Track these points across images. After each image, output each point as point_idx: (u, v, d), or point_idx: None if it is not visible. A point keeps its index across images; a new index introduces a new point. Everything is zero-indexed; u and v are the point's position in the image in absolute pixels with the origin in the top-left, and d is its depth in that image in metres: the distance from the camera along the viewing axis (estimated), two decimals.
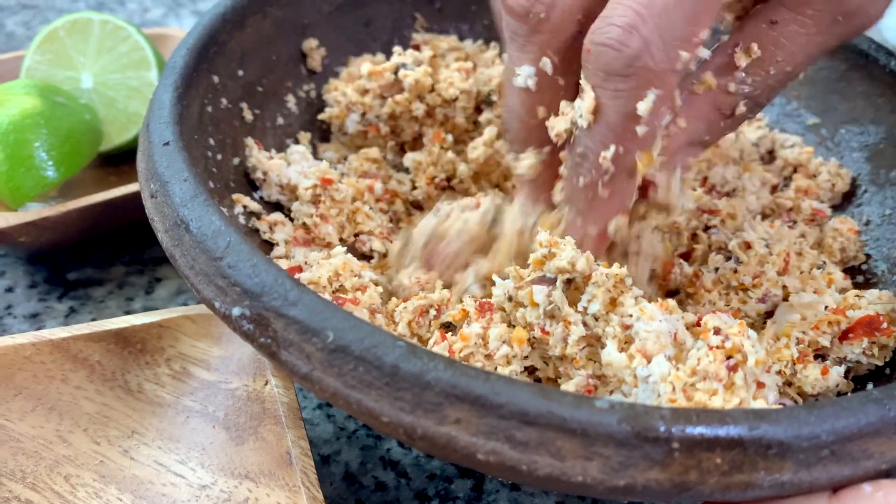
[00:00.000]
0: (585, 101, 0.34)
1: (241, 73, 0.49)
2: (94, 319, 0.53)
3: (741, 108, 0.37)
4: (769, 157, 0.54)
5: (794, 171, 0.52)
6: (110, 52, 0.60)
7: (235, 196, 0.44)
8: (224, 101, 0.47)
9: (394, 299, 0.41)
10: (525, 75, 0.36)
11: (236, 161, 0.47)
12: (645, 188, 0.38)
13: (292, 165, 0.48)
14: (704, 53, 0.34)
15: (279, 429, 0.40)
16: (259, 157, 0.47)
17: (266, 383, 0.41)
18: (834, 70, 0.53)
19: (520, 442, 0.27)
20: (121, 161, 0.62)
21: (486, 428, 0.28)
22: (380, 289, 0.41)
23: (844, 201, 0.50)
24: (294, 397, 0.40)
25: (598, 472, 0.27)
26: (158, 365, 0.43)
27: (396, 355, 0.29)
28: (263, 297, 0.31)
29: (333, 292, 0.40)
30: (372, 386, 0.29)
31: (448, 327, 0.39)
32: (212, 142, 0.45)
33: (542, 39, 0.35)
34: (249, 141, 0.48)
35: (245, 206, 0.44)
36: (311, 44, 0.54)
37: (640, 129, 0.34)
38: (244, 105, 0.49)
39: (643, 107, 0.33)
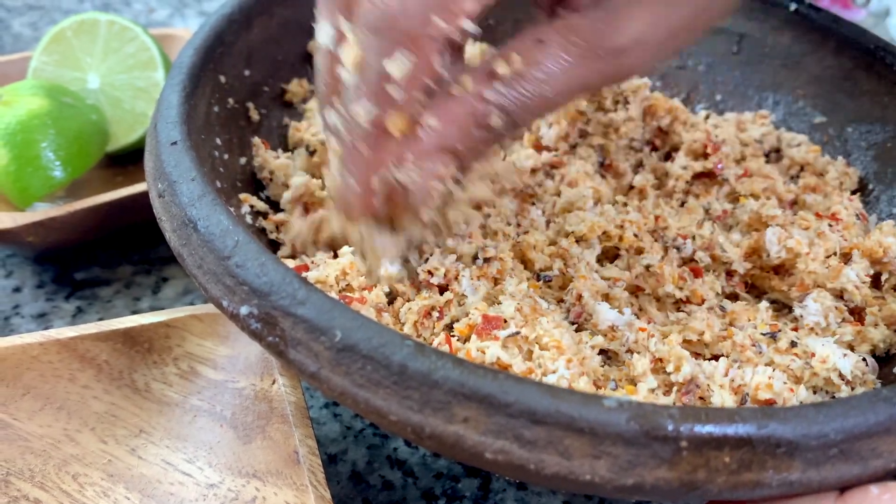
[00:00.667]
0: (350, 55, 0.34)
1: (247, 73, 0.49)
2: (101, 319, 0.53)
3: (495, 120, 0.35)
4: (776, 155, 0.54)
5: (801, 169, 0.52)
6: (117, 53, 0.60)
7: (242, 196, 0.44)
8: (231, 100, 0.47)
9: (398, 300, 0.41)
10: (325, 33, 0.36)
11: (243, 161, 0.47)
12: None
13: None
14: (469, 27, 0.33)
15: (286, 428, 0.40)
16: (266, 157, 0.47)
17: (273, 382, 0.41)
18: (840, 68, 0.53)
19: (528, 441, 0.27)
20: (127, 161, 0.62)
21: (495, 427, 0.27)
22: (386, 288, 0.41)
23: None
24: (301, 396, 0.40)
25: (607, 470, 0.27)
26: (166, 364, 0.43)
27: (404, 354, 0.29)
28: (271, 296, 0.31)
29: (340, 291, 0.40)
30: (380, 385, 0.29)
31: (453, 328, 0.39)
32: (219, 141, 0.45)
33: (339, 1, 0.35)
34: (256, 140, 0.48)
35: (252, 206, 0.44)
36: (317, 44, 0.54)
37: (396, 92, 0.34)
38: (251, 105, 0.49)
39: (395, 68, 0.33)
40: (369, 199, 0.37)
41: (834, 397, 0.38)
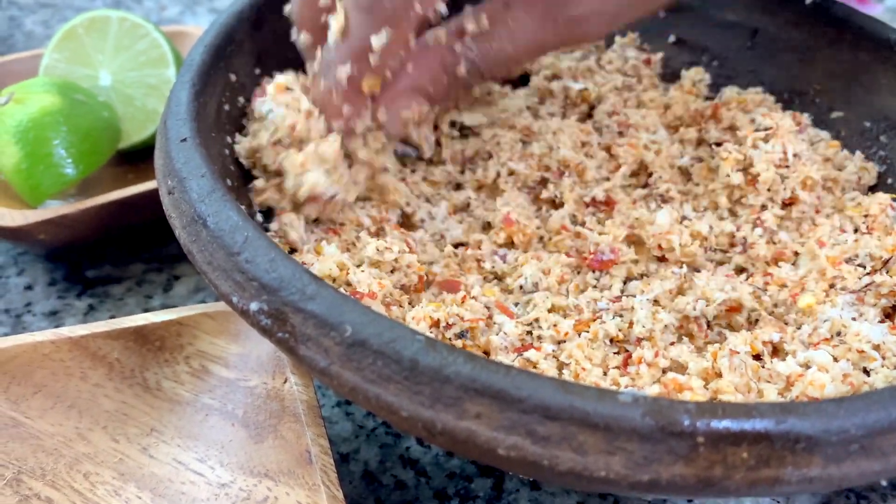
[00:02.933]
0: (337, 22, 0.40)
1: (258, 71, 0.49)
2: (112, 317, 0.53)
3: (462, 70, 0.42)
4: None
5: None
6: (128, 50, 0.60)
7: (252, 194, 0.44)
8: (241, 99, 0.47)
9: (405, 303, 0.41)
10: None
11: None
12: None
13: None
14: (442, 8, 0.39)
15: (298, 427, 0.39)
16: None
17: (285, 381, 0.41)
18: (857, 62, 0.52)
19: (541, 437, 0.27)
20: (138, 159, 0.62)
21: (507, 422, 0.27)
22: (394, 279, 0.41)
23: (869, 194, 0.49)
24: (313, 395, 0.40)
25: (622, 466, 0.27)
26: (177, 362, 0.43)
27: (415, 349, 0.28)
28: (281, 292, 0.31)
29: (347, 284, 0.40)
30: (391, 380, 0.29)
31: (463, 336, 0.39)
32: (229, 140, 0.45)
33: None
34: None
35: (262, 204, 0.44)
36: None
37: (373, 59, 0.40)
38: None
39: (377, 41, 0.39)
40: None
41: (866, 371, 0.37)
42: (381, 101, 0.42)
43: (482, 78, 0.43)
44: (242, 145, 0.44)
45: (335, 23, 0.40)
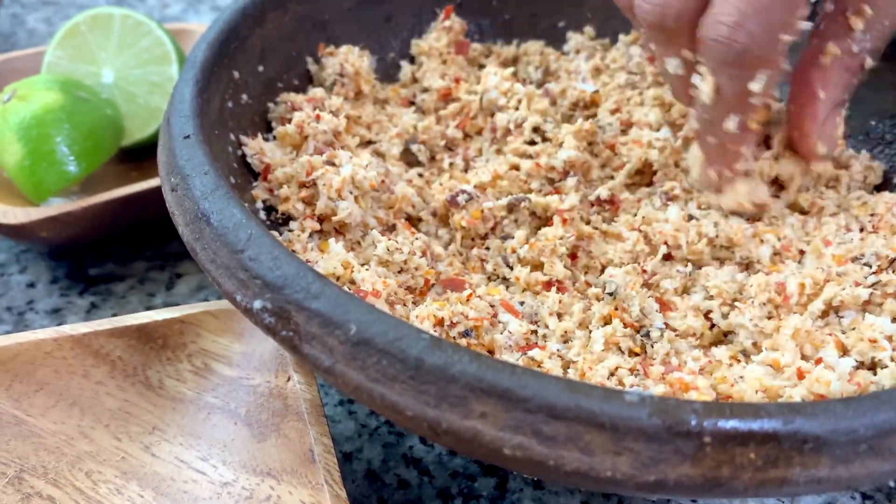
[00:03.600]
0: (706, 83, 0.39)
1: (261, 68, 0.49)
2: (115, 315, 0.53)
3: (868, 62, 0.42)
4: None
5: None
6: (131, 48, 0.60)
7: (255, 192, 0.44)
8: (244, 96, 0.47)
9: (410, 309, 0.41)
10: (674, 65, 0.41)
11: None
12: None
13: None
14: (806, 26, 0.38)
15: (302, 426, 0.39)
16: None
17: (288, 379, 0.41)
18: None
19: (547, 436, 0.27)
20: (141, 156, 0.62)
21: (513, 422, 0.27)
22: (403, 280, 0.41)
23: (875, 194, 0.49)
24: (317, 394, 0.40)
25: (628, 467, 0.27)
26: (180, 361, 0.43)
27: (420, 348, 0.28)
28: (285, 290, 0.31)
29: (351, 283, 0.40)
30: (396, 379, 0.28)
31: (467, 335, 0.39)
32: (232, 137, 0.44)
33: (678, 40, 0.40)
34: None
35: (265, 201, 0.44)
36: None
37: (755, 100, 0.39)
38: (265, 101, 0.49)
39: (756, 86, 0.38)
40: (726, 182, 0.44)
41: (873, 369, 0.37)
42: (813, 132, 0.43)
43: (880, 53, 0.42)
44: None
45: (705, 86, 0.40)
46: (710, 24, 0.37)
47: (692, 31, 0.39)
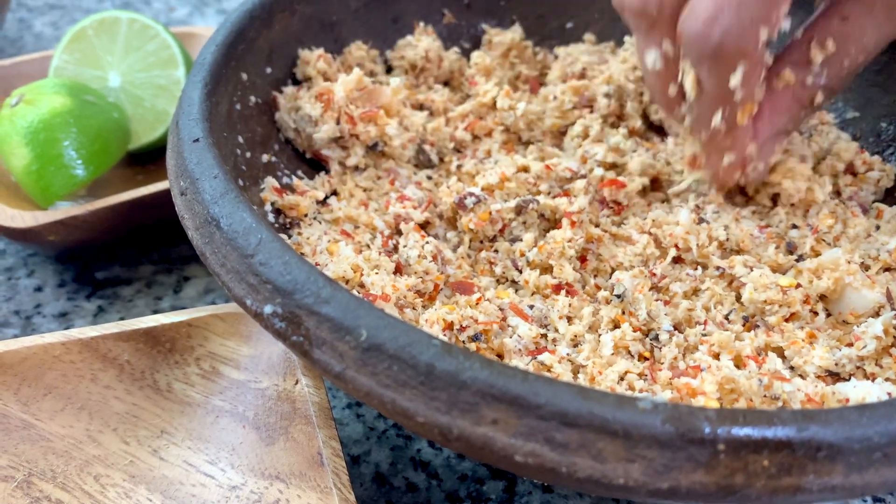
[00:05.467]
0: (688, 78, 0.40)
1: (269, 70, 0.49)
2: (122, 318, 0.53)
3: (819, 98, 0.42)
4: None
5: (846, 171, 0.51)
6: (138, 51, 0.60)
7: (264, 195, 0.44)
8: (253, 98, 0.47)
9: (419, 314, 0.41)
10: (653, 58, 0.42)
11: (265, 159, 0.46)
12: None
13: None
14: (786, 24, 0.38)
15: (310, 429, 0.39)
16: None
17: (296, 382, 0.41)
18: (874, 62, 0.52)
19: (559, 443, 0.27)
20: (148, 160, 0.61)
21: (525, 429, 0.27)
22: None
23: (888, 196, 0.48)
24: (325, 397, 0.40)
25: (641, 474, 0.26)
26: (188, 364, 0.43)
27: (431, 354, 0.28)
28: (296, 295, 0.31)
29: (360, 286, 0.39)
30: (406, 385, 0.28)
31: (477, 339, 0.39)
32: (241, 139, 0.44)
33: (659, 30, 0.41)
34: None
35: (274, 204, 0.44)
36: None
37: (738, 94, 0.39)
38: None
39: (734, 80, 0.38)
40: (728, 175, 0.45)
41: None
42: (748, 144, 0.43)
43: (834, 95, 0.43)
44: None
45: (688, 80, 0.40)
46: (687, 17, 0.38)
47: (673, 20, 0.39)
